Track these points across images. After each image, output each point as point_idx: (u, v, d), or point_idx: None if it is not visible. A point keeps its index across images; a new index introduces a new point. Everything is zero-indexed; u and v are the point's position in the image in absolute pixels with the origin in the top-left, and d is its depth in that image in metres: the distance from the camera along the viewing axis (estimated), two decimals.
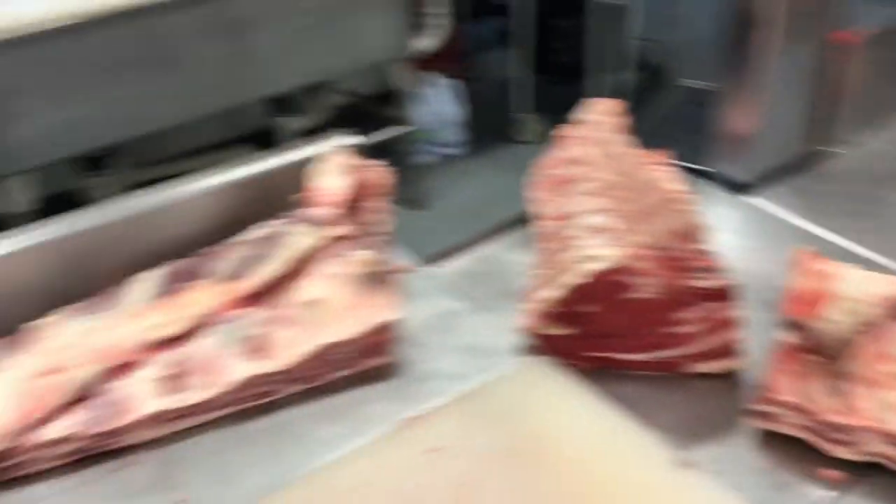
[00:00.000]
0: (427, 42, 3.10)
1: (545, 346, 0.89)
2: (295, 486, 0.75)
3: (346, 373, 0.87)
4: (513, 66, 3.44)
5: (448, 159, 3.49)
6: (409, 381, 0.87)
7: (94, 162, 2.77)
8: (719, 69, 1.17)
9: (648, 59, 3.36)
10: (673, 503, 0.71)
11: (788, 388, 0.78)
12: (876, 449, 0.75)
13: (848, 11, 1.15)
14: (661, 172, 1.00)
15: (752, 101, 1.14)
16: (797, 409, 0.76)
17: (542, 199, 1.05)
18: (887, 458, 0.75)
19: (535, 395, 0.83)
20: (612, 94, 1.37)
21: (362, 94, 3.21)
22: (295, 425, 0.83)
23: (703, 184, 1.21)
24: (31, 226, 0.92)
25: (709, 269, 0.83)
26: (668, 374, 0.87)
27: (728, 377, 0.87)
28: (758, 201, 1.17)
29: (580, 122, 1.12)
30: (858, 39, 1.17)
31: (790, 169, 1.22)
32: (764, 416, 0.78)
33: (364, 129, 2.05)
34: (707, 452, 0.79)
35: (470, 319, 0.96)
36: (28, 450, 0.76)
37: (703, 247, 0.84)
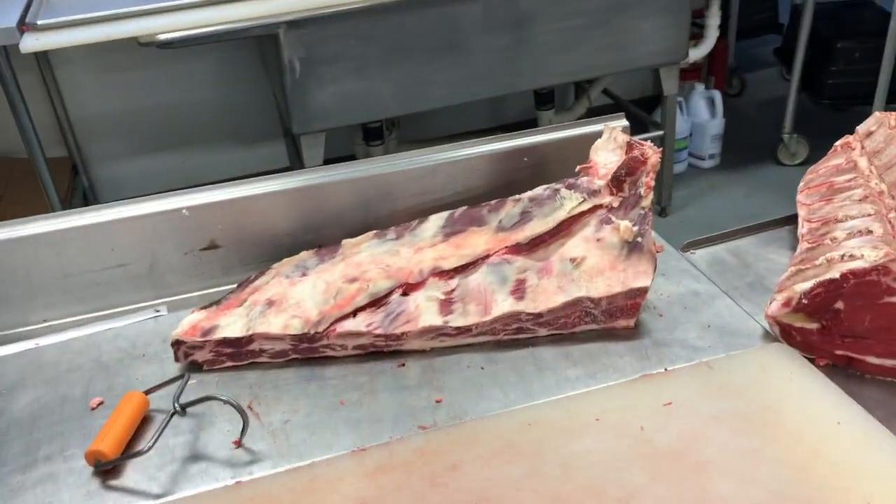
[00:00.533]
0: (696, 52, 3.09)
1: (788, 336, 0.92)
2: (542, 406, 0.86)
3: (593, 327, 0.96)
4: (785, 85, 3.33)
5: (700, 170, 3.45)
6: (651, 344, 0.95)
7: (371, 133, 3.09)
8: None
9: None
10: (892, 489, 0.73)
11: None
12: None
13: None
14: None
15: None
16: None
17: (808, 204, 1.07)
18: None
19: (771, 375, 0.87)
20: None
21: (620, 97, 3.26)
22: (541, 361, 0.94)
23: None
24: (351, 163, 1.10)
25: None
26: None
27: None
28: None
29: (855, 133, 1.12)
30: None
31: None
32: None
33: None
34: None
35: (715, 301, 1.01)
36: (332, 335, 0.94)
37: None
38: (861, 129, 1.13)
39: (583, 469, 0.78)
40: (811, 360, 0.91)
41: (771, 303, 0.93)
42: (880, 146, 1.08)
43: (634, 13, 2.35)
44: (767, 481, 0.75)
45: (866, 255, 0.86)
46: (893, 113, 1.11)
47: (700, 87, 3.19)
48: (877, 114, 1.13)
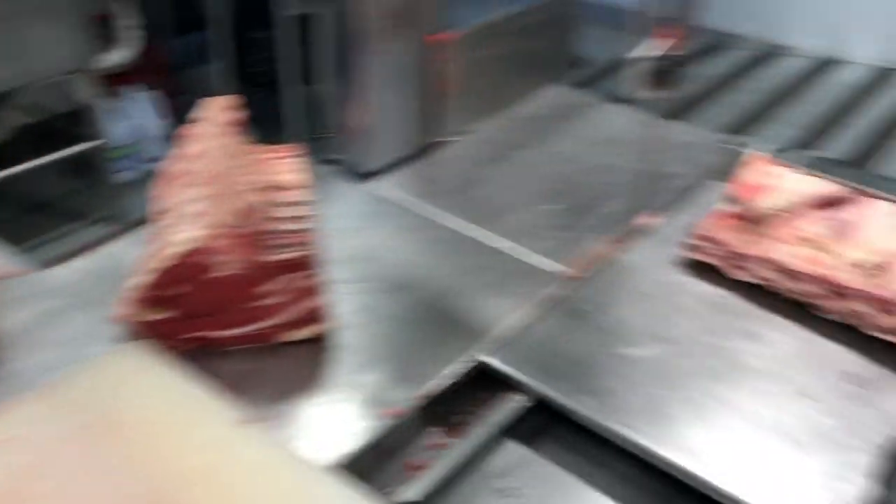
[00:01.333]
0: (119, 55, 2.97)
1: (146, 331, 0.91)
2: None
3: None
4: (214, 79, 3.40)
5: (150, 174, 3.33)
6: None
7: None
8: (327, 71, 1.27)
9: None
10: (224, 451, 0.77)
11: (716, 230, 1.09)
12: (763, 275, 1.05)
13: (439, 14, 1.29)
14: (266, 161, 1.07)
15: (359, 98, 1.25)
16: (716, 242, 1.09)
17: (159, 196, 1.08)
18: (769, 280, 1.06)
19: (116, 378, 0.85)
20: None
21: (48, 111, 3.00)
22: None
23: (333, 175, 1.31)
24: None
25: (287, 244, 0.91)
26: (265, 346, 0.93)
27: (322, 341, 0.95)
28: (375, 187, 1.28)
29: (197, 120, 1.16)
30: (452, 39, 1.32)
31: (409, 158, 1.35)
32: (692, 248, 1.11)
33: (54, 145, 1.96)
34: (277, 410, 0.87)
35: (73, 315, 0.96)
36: None
37: (275, 224, 0.91)
38: (199, 114, 1.16)
39: None
40: (175, 347, 0.91)
41: (119, 303, 0.91)
42: (220, 130, 1.12)
43: (28, 21, 2.15)
44: (123, 489, 0.73)
45: (185, 238, 0.88)
46: (227, 97, 1.17)
47: (138, 90, 3.10)
48: (211, 99, 1.18)
